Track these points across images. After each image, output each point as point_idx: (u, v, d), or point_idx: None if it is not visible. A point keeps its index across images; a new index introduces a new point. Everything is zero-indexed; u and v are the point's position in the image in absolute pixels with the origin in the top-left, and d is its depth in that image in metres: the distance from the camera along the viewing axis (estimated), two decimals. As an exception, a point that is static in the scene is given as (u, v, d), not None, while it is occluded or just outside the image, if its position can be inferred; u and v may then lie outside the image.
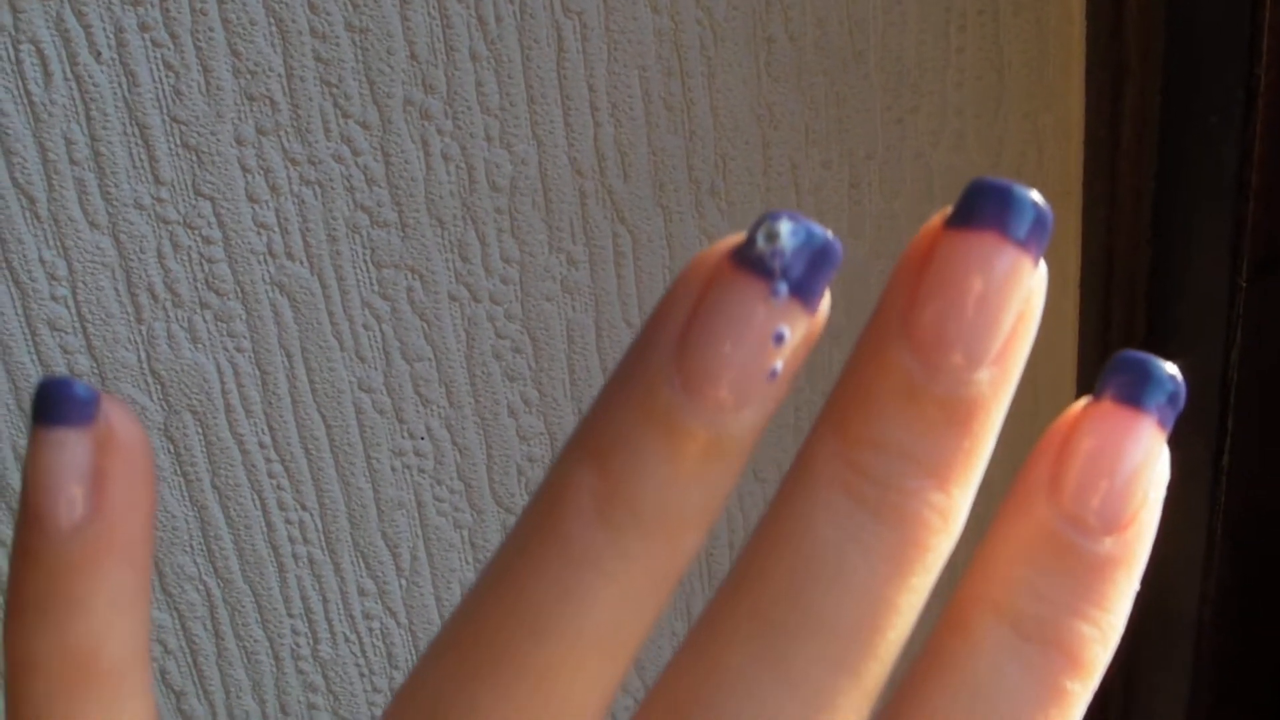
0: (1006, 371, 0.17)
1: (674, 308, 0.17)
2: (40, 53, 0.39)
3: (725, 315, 0.17)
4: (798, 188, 0.45)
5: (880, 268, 0.47)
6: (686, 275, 0.17)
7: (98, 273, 0.42)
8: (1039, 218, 0.17)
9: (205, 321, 0.44)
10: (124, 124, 0.41)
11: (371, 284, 0.44)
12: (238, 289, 0.44)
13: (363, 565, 0.49)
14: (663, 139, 0.43)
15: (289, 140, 0.42)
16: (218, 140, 0.41)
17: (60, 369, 0.43)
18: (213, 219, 0.42)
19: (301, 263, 0.43)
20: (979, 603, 0.18)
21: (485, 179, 0.43)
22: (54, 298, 0.42)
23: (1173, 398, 0.18)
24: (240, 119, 0.41)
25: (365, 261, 0.44)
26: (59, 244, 0.42)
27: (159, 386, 0.45)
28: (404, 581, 0.49)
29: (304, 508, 0.47)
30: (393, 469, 0.47)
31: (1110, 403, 0.18)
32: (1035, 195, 0.17)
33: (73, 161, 0.41)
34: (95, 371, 0.44)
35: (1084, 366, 0.50)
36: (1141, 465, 0.18)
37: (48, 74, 0.39)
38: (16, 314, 0.42)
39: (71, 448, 0.19)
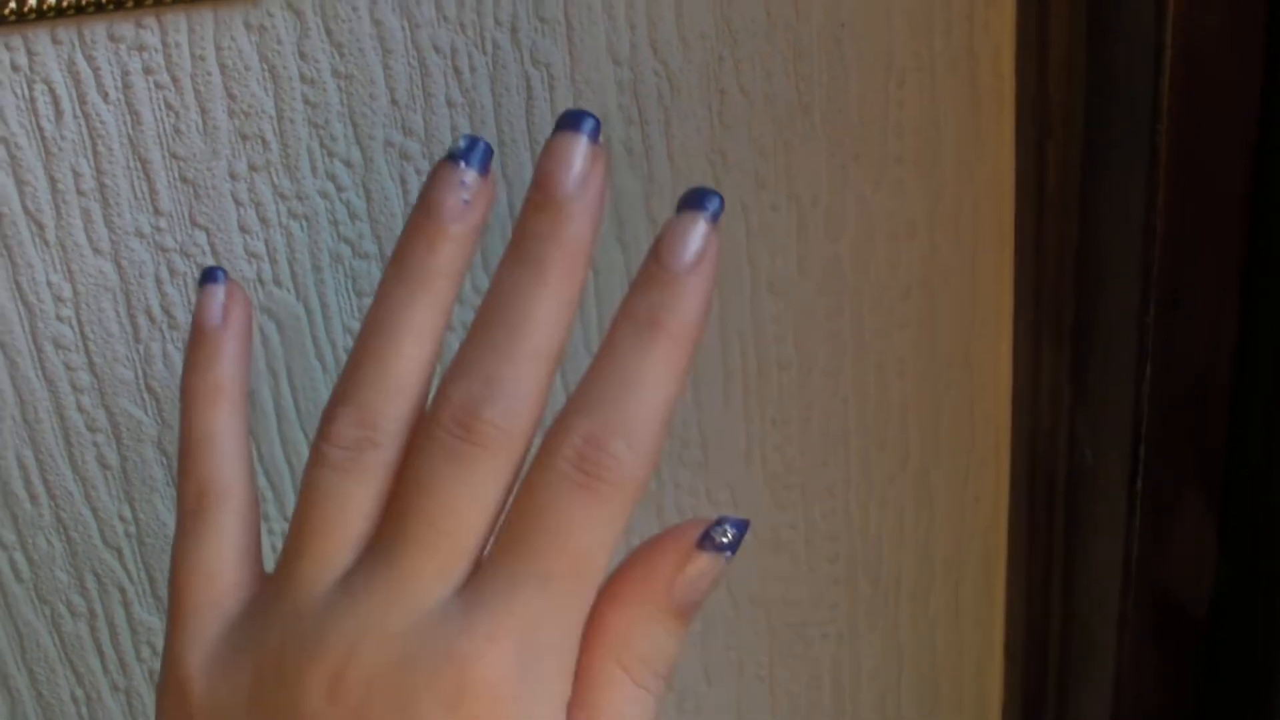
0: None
1: (424, 186, 0.33)
2: (52, 92, 0.43)
3: (438, 175, 0.33)
4: (748, 228, 0.49)
5: (825, 304, 0.50)
6: (430, 172, 0.33)
7: (100, 295, 0.46)
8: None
9: (198, 342, 0.47)
10: (127, 159, 0.44)
11: (352, 311, 0.47)
12: (229, 313, 0.47)
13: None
14: (624, 181, 0.47)
15: (278, 176, 0.45)
16: (213, 175, 0.45)
17: (63, 385, 0.47)
18: (207, 248, 0.46)
19: (288, 290, 0.47)
20: (618, 316, 0.31)
21: (459, 215, 0.47)
22: (59, 317, 0.46)
23: (718, 209, 0.32)
24: (234, 156, 0.45)
25: (347, 290, 0.47)
26: (65, 268, 0.45)
27: (154, 402, 0.48)
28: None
29: (286, 519, 0.51)
30: (369, 483, 0.50)
31: (681, 209, 0.32)
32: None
33: (79, 192, 0.44)
34: (95, 387, 0.47)
35: (1018, 398, 0.53)
36: (702, 239, 0.32)
37: (59, 111, 0.43)
38: (24, 332, 0.46)
39: (216, 292, 0.36)
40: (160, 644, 0.52)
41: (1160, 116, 0.41)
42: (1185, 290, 0.43)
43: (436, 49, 0.44)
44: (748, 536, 0.54)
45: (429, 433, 0.30)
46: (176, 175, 0.45)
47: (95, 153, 0.44)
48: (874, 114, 0.48)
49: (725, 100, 0.47)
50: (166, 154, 0.44)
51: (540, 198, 0.32)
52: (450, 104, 0.45)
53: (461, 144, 0.33)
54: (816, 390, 0.52)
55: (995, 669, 0.59)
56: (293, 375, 0.48)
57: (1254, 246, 0.43)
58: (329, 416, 0.32)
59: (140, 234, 0.45)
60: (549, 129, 0.46)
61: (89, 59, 0.42)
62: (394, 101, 0.45)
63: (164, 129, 0.44)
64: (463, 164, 0.32)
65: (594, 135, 0.32)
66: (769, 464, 0.53)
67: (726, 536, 0.31)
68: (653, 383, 0.30)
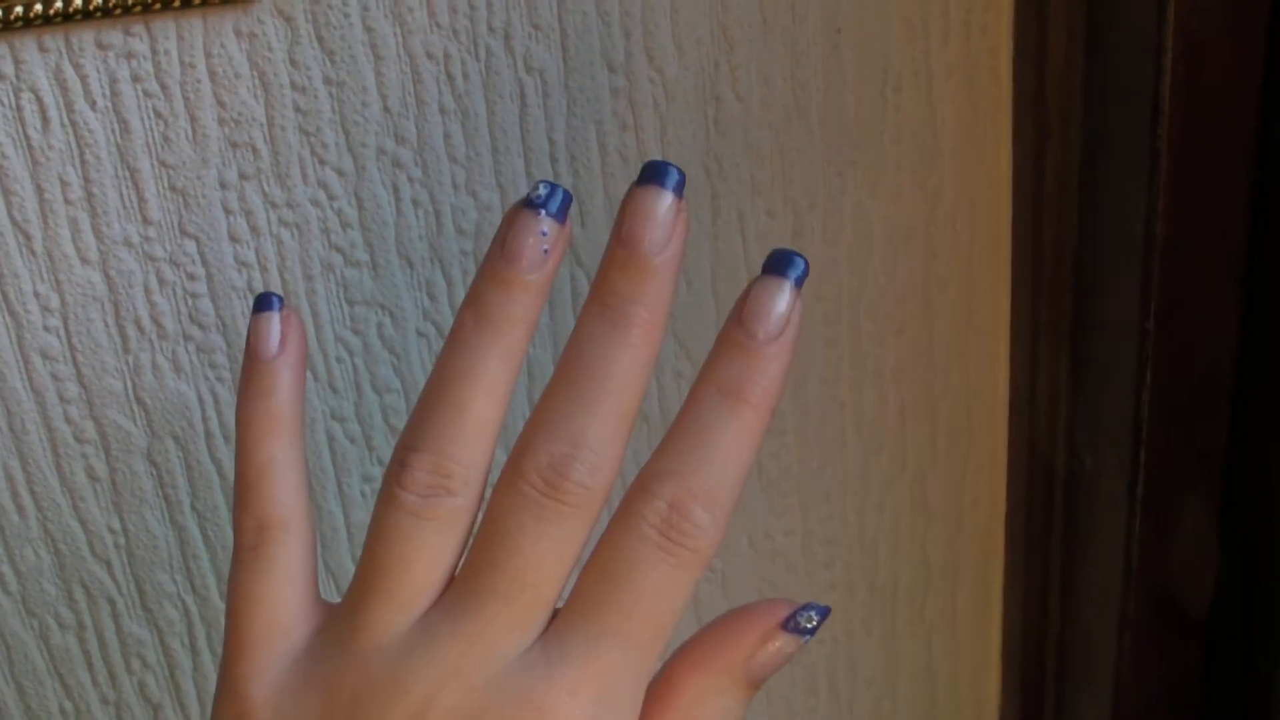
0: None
1: (501, 231, 0.33)
2: (39, 100, 0.42)
3: (517, 222, 0.33)
4: (744, 235, 0.48)
5: (822, 310, 0.50)
6: (506, 216, 0.33)
7: (88, 306, 0.45)
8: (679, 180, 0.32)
9: (188, 353, 0.47)
10: (116, 167, 0.44)
11: (344, 320, 0.47)
12: (219, 323, 0.46)
13: (333, 586, 0.52)
14: (618, 188, 0.47)
15: (269, 185, 0.45)
16: (203, 184, 0.44)
17: (51, 396, 0.46)
18: (197, 257, 0.45)
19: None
20: (700, 382, 0.32)
21: (452, 223, 0.46)
22: (46, 328, 0.45)
23: (803, 274, 0.32)
24: (224, 164, 0.44)
25: (339, 299, 0.47)
26: (53, 278, 0.45)
27: (143, 413, 0.47)
28: (372, 601, 0.52)
29: (278, 530, 0.50)
30: (362, 494, 0.50)
31: (766, 274, 0.32)
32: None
33: (67, 201, 0.44)
34: (83, 398, 0.46)
35: (1015, 402, 0.53)
36: (787, 307, 0.32)
37: (45, 120, 0.42)
38: (11, 343, 0.45)
39: (271, 319, 0.35)
40: (150, 657, 0.52)
41: (1160, 120, 0.41)
42: (1185, 295, 0.43)
43: (429, 55, 0.43)
44: (743, 543, 0.53)
45: (514, 486, 0.31)
46: (166, 184, 0.44)
47: (83, 161, 0.43)
48: (871, 120, 0.47)
49: (721, 107, 0.46)
50: (155, 162, 0.44)
51: (624, 255, 0.32)
52: (443, 111, 0.44)
53: (542, 191, 0.33)
54: (813, 396, 0.52)
55: (993, 674, 0.59)
56: (284, 385, 0.47)
57: (1254, 251, 0.43)
58: (403, 461, 0.32)
59: (129, 243, 0.45)
60: (542, 136, 0.45)
61: (76, 67, 0.42)
62: (386, 109, 0.44)
63: (153, 137, 0.43)
64: (542, 213, 0.32)
65: (679, 190, 0.32)
66: (765, 470, 0.53)
67: (811, 623, 0.32)
68: (734, 452, 0.31)
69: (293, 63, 0.43)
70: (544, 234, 0.32)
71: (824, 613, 0.32)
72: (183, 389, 0.47)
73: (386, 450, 0.49)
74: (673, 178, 0.32)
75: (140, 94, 0.43)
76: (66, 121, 0.42)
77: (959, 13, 0.46)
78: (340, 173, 0.45)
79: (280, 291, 0.46)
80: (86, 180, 0.44)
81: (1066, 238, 0.47)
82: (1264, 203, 0.43)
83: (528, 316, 0.32)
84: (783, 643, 0.32)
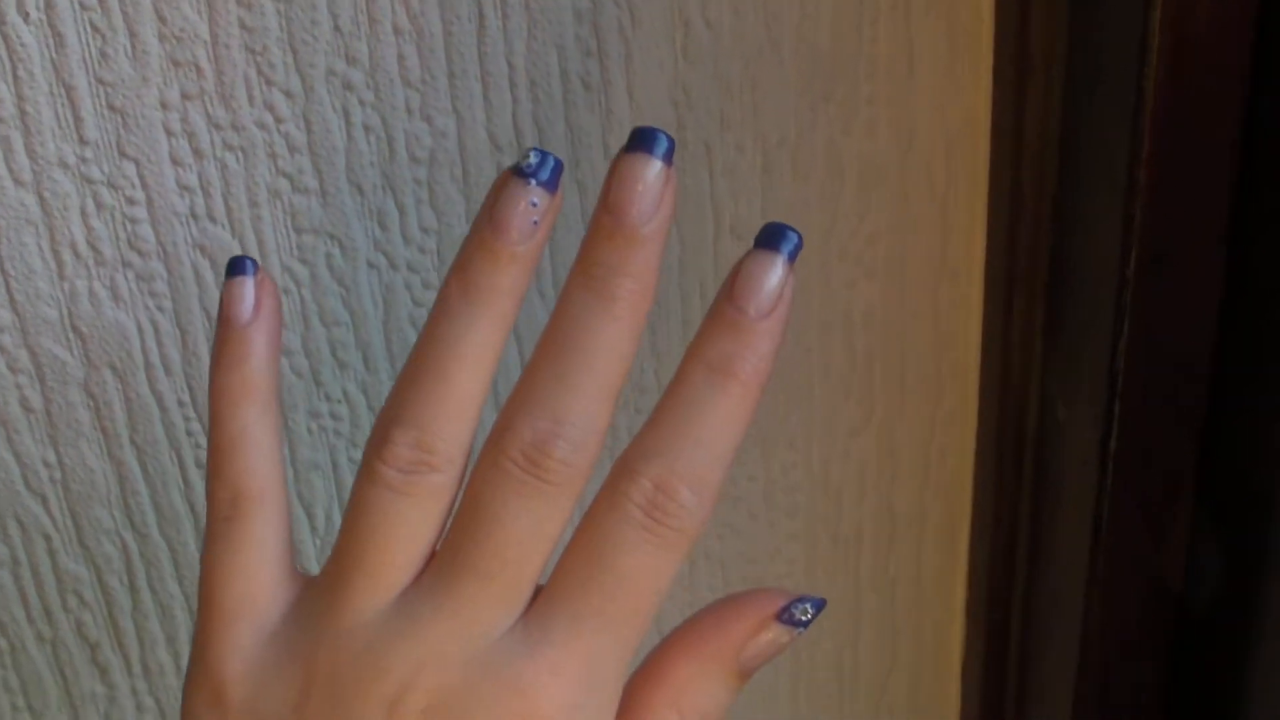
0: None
1: (489, 198, 0.32)
2: (-32, 10, 0.40)
3: (506, 190, 0.31)
4: (711, 170, 0.46)
5: (791, 251, 0.48)
6: (494, 184, 0.32)
7: (21, 229, 0.43)
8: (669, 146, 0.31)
9: (127, 280, 0.45)
10: (50, 84, 0.41)
11: (291, 249, 0.45)
12: (160, 249, 0.44)
13: (279, 525, 0.50)
14: (580, 117, 0.45)
15: (213, 106, 0.43)
16: (143, 104, 0.42)
17: (-17, 322, 0.44)
18: (136, 180, 0.43)
19: (223, 226, 0.44)
20: (689, 358, 0.31)
21: (405, 150, 0.44)
22: (-23, 252, 0.43)
23: (796, 248, 0.32)
24: (165, 84, 0.42)
25: (286, 227, 0.45)
26: (-18, 199, 0.42)
27: (80, 342, 0.45)
28: (319, 541, 0.50)
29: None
30: (309, 430, 0.48)
31: (758, 248, 0.32)
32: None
33: (-2, 118, 0.41)
34: (17, 326, 0.44)
35: (987, 351, 0.51)
36: (779, 282, 0.32)
37: (-26, 31, 0.40)
38: (-61, 266, 0.43)
39: (245, 284, 0.34)
40: (88, 595, 0.50)
41: (1148, 59, 0.39)
42: (1168, 245, 0.42)
43: (382, -28, 0.41)
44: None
45: (494, 462, 0.31)
46: (104, 103, 0.42)
47: (15, 77, 0.41)
48: (846, 52, 0.45)
49: (689, 34, 0.44)
50: (93, 79, 0.41)
51: (610, 224, 0.31)
52: (397, 31, 0.42)
53: (533, 159, 0.32)
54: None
55: (957, 629, 0.58)
56: (228, 317, 0.45)
57: (1242, 201, 0.41)
58: (384, 435, 0.31)
59: (64, 164, 0.42)
60: (501, 60, 0.43)
61: (6, -26, 0.39)
62: (337, 28, 0.42)
63: (90, 53, 0.41)
64: (533, 182, 0.31)
65: (667, 158, 0.31)
66: (728, 416, 0.51)
67: (806, 615, 0.32)
68: (722, 431, 0.31)
69: (237, -24, 0.41)
70: (534, 204, 0.31)
71: (819, 605, 0.32)
72: (121, 318, 0.45)
73: (334, 385, 0.48)
74: (662, 145, 0.31)
75: (76, 6, 0.40)
76: (-4, 32, 0.40)
77: (941, -58, 0.44)
78: (288, 94, 0.43)
79: (225, 220, 0.44)
80: (19, 97, 0.41)
81: (1047, 180, 0.45)
82: (1254, 149, 0.41)
83: (516, 288, 0.32)
84: (776, 634, 0.32)
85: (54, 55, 0.41)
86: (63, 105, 0.42)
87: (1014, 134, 0.45)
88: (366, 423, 0.49)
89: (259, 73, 0.42)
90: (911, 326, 0.51)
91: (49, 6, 0.40)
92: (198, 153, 0.43)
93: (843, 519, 0.54)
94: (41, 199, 0.43)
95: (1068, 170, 0.44)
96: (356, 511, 0.31)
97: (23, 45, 0.41)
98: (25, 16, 0.40)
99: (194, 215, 0.44)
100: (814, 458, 0.53)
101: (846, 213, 0.48)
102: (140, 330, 0.45)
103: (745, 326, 0.31)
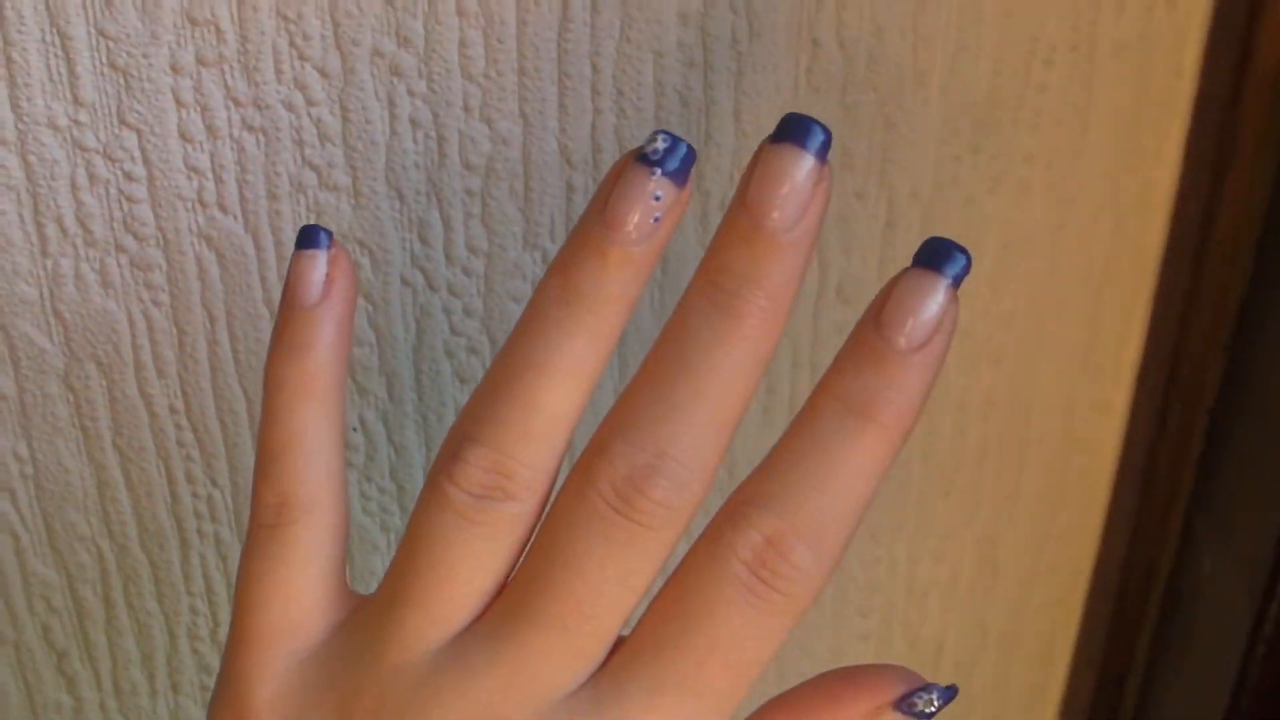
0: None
1: (603, 187, 0.27)
2: (-47, -67, 0.33)
3: (627, 179, 0.27)
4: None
5: (906, 322, 0.40)
6: (611, 170, 0.27)
7: (2, 195, 0.37)
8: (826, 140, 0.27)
9: (120, 265, 0.38)
10: (43, 30, 0.35)
11: (312, 253, 0.38)
12: (159, 235, 0.38)
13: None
14: (672, 140, 0.37)
15: (233, 76, 0.36)
16: (150, 65, 0.35)
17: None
18: (137, 153, 0.36)
19: (235, 217, 0.38)
20: (821, 391, 0.27)
21: (458, 154, 0.37)
22: (-51, 214, 0.37)
23: (963, 272, 0.27)
24: (179, 44, 0.35)
25: (308, 227, 0.38)
26: (-45, 156, 0.36)
27: (61, 329, 0.39)
28: (316, 580, 0.44)
29: (214, 484, 0.42)
30: (315, 461, 0.41)
31: (916, 268, 0.27)
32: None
33: (-20, 64, 0.35)
34: (-10, 301, 0.38)
35: (1124, 471, 0.43)
36: (939, 310, 0.27)
37: (-44, -40, 0.33)
38: (-95, 226, 0.37)
39: (316, 258, 0.30)
40: (57, 601, 0.44)
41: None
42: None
43: (450, -60, 0.34)
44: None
45: (581, 494, 0.27)
46: (104, 59, 0.35)
47: (2, 18, 0.34)
48: (1007, 96, 0.37)
49: (817, 54, 0.36)
50: (93, 30, 0.35)
51: (747, 225, 0.27)
52: (461, 12, 0.35)
53: (660, 144, 0.27)
54: (878, 420, 0.42)
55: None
56: (233, 321, 0.39)
57: None
58: (456, 452, 0.27)
59: (55, 126, 0.36)
60: (584, 61, 0.36)
61: (-5, -104, 0.33)
62: (389, 1, 0.35)
63: (92, -2, 0.34)
64: (658, 171, 0.26)
65: (822, 154, 0.27)
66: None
67: (931, 707, 0.27)
68: (853, 482, 0.26)
69: (274, -73, 0.33)
70: (657, 198, 0.27)
71: (947, 696, 0.27)
72: (111, 307, 0.39)
73: (351, 411, 0.41)
74: (817, 137, 0.27)
75: (81, -60, 0.33)
76: (-20, -35, 0.33)
77: (1145, -24, 0.35)
78: (323, 73, 0.36)
79: (238, 210, 0.37)
80: (5, 41, 0.35)
81: (1232, 284, 0.37)
82: None
83: (626, 295, 0.27)
84: None
85: (52, -4, 0.34)
86: (56, 56, 0.35)
87: (1201, 223, 0.37)
88: (384, 456, 0.42)
89: (291, 44, 0.35)
90: (1037, 425, 0.43)
91: (51, -63, 0.33)
92: (211, 129, 0.36)
93: (924, 624, 0.47)
94: (25, 162, 0.36)
95: (1262, 276, 0.36)
96: (417, 535, 0.28)
97: (17, -20, 0.34)
98: (20, -53, 0.33)
99: (201, 201, 0.37)
100: (900, 555, 0.45)
101: (980, 286, 0.40)
102: (131, 323, 0.39)
103: (893, 360, 0.26)
